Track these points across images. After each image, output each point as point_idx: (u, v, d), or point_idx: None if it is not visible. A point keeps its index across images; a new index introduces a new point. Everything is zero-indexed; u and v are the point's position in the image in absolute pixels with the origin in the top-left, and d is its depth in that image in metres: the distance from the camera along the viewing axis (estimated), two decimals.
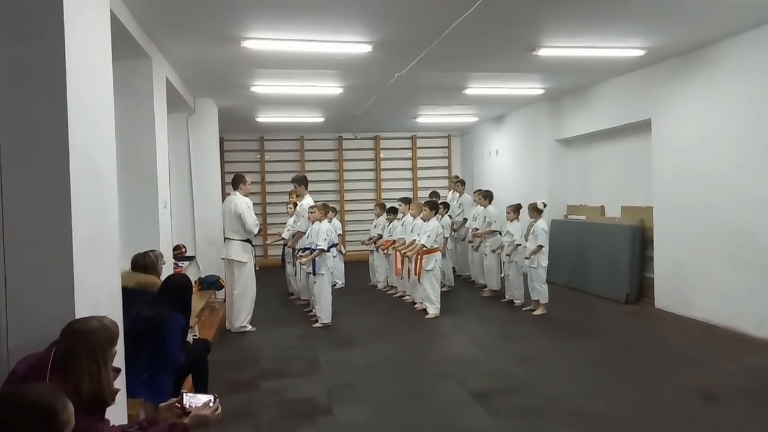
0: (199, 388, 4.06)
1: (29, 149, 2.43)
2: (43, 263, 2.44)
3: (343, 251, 9.48)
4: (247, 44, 5.53)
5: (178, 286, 3.92)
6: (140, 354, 3.66)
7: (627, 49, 6.39)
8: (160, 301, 3.82)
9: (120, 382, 3.20)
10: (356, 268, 10.22)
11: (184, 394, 2.44)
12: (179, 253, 7.87)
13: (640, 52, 6.48)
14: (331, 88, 7.97)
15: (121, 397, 3.24)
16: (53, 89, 2.44)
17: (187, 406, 2.41)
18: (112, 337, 2.22)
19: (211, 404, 2.41)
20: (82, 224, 2.59)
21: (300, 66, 6.65)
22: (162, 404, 2.46)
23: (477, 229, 8.54)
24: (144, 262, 4.23)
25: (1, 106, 2.39)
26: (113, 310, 2.99)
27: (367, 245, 9.72)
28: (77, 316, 2.44)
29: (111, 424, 2.36)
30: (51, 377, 2.04)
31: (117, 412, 3.09)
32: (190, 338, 4.11)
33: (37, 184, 2.43)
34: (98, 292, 2.77)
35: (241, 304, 6.66)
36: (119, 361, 3.13)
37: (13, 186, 2.41)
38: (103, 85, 3.04)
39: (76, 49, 2.59)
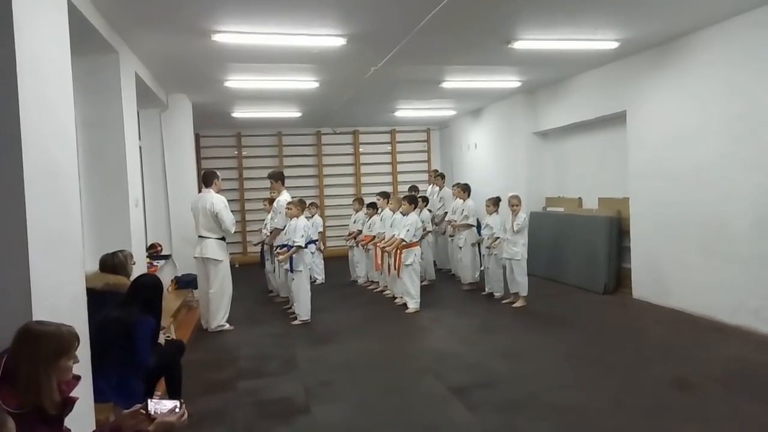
0: (172, 390, 3.97)
1: None
2: None
3: (322, 248, 9.37)
4: (218, 38, 5.41)
5: (148, 286, 3.81)
6: (109, 357, 3.55)
7: (601, 41, 6.40)
8: (129, 302, 3.71)
9: (86, 387, 3.13)
10: (336, 263, 10.15)
11: (149, 401, 2.35)
12: (155, 251, 7.72)
13: (614, 44, 6.50)
14: (306, 82, 7.86)
15: (89, 402, 3.15)
16: (3, 85, 2.33)
17: (152, 413, 2.32)
18: (63, 346, 2.10)
19: (176, 410, 2.32)
20: (39, 223, 2.48)
21: (273, 60, 6.53)
22: (126, 411, 2.37)
23: (455, 221, 8.52)
24: (113, 263, 4.11)
25: None
26: (75, 314, 2.89)
27: (347, 241, 9.64)
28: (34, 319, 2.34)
29: None
30: (2, 387, 1.94)
31: (84, 418, 3.00)
32: (162, 340, 4.00)
33: None
34: (58, 295, 2.67)
35: (218, 303, 6.53)
36: (84, 363, 3.04)
37: None
38: (61, 80, 2.93)
39: (29, 44, 2.48)
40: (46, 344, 2.07)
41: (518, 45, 6.22)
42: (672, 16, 5.65)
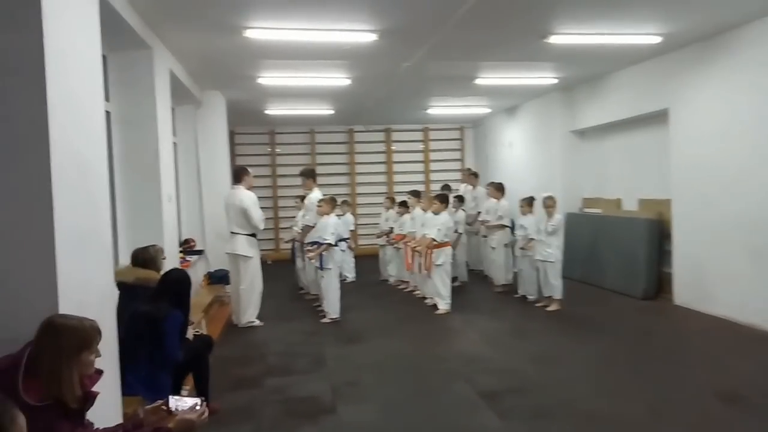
0: (199, 386, 3.98)
1: (8, 142, 2.32)
2: (25, 260, 2.35)
3: (353, 246, 9.32)
4: (250, 33, 5.41)
5: (176, 281, 3.82)
6: (138, 351, 3.58)
7: (643, 35, 6.14)
8: (158, 297, 3.73)
9: (114, 380, 3.15)
10: (368, 262, 10.10)
11: (170, 397, 2.34)
12: (189, 247, 7.82)
13: (656, 39, 6.23)
14: (338, 79, 7.83)
15: (116, 396, 3.16)
16: (32, 80, 2.33)
17: (173, 409, 2.30)
18: (85, 340, 2.10)
19: (197, 408, 2.30)
20: (67, 219, 2.48)
21: (305, 56, 6.51)
22: (147, 407, 2.36)
23: (488, 221, 8.36)
24: (143, 257, 4.14)
25: None
26: (103, 309, 2.90)
27: (378, 239, 9.58)
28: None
29: (95, 427, 2.27)
30: (25, 379, 1.94)
31: (112, 411, 3.02)
32: (190, 335, 4.00)
33: (17, 178, 2.33)
34: (85, 291, 2.67)
35: (248, 299, 6.56)
36: (110, 358, 3.06)
37: None
38: (90, 75, 2.93)
39: (58, 39, 2.48)
40: (68, 338, 2.07)
41: (555, 40, 6.02)
42: (719, 8, 5.37)
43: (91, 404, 2.14)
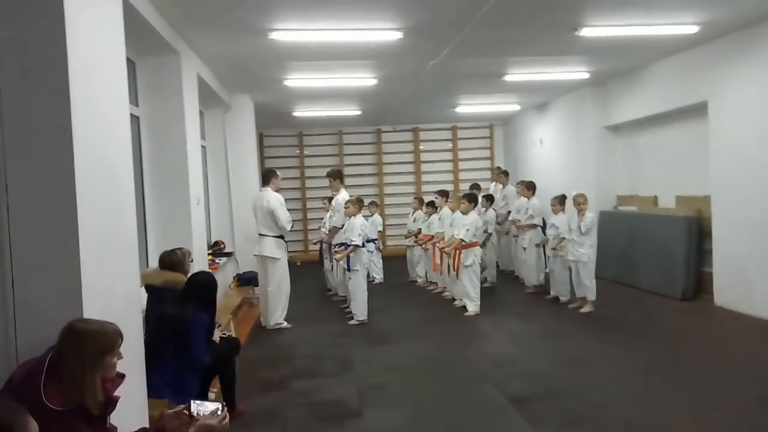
0: (226, 388, 3.99)
1: (33, 146, 2.35)
2: (50, 264, 2.37)
3: (381, 247, 9.27)
4: (275, 36, 5.42)
5: (203, 284, 3.84)
6: (165, 353, 3.61)
7: (679, 25, 5.91)
8: (184, 299, 3.75)
9: (140, 383, 3.17)
10: (396, 263, 10.04)
11: (192, 402, 2.33)
12: (218, 249, 7.91)
13: (694, 29, 5.98)
14: (365, 79, 7.79)
15: (142, 398, 3.19)
16: (56, 84, 2.36)
17: (195, 414, 2.29)
18: (107, 345, 2.10)
19: (218, 413, 2.28)
20: (91, 223, 2.50)
21: (331, 57, 6.49)
22: (169, 411, 2.35)
23: (519, 221, 8.21)
24: (171, 260, 4.17)
25: (5, 102, 2.32)
26: (129, 312, 2.92)
27: (407, 239, 9.52)
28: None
29: None
30: (46, 383, 1.95)
31: (137, 413, 3.04)
32: (216, 337, 4.02)
33: (41, 182, 2.36)
34: (111, 294, 2.69)
35: (276, 301, 6.58)
36: (137, 360, 3.08)
37: (18, 184, 2.34)
38: (115, 80, 2.96)
39: (81, 43, 2.50)
40: (90, 342, 2.07)
41: (586, 32, 5.84)
42: None
43: (113, 408, 2.14)
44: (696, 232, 7.18)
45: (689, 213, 7.31)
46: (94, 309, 2.44)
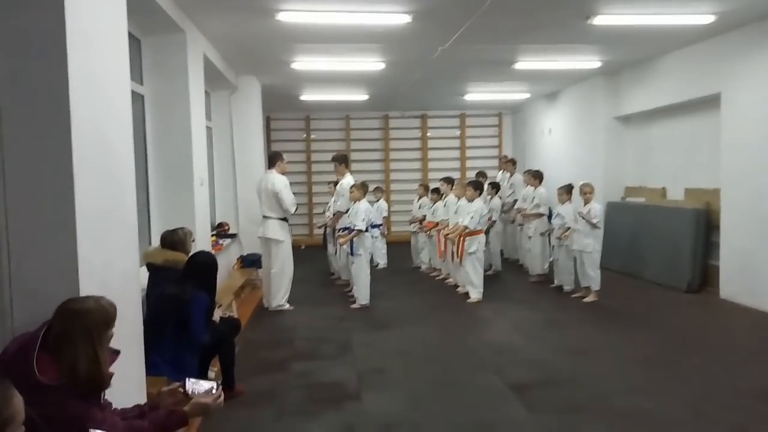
0: (225, 368, 4.00)
1: (30, 120, 2.32)
2: (46, 239, 2.35)
3: (386, 233, 9.24)
4: (282, 16, 5.36)
5: (203, 264, 3.83)
6: (164, 332, 3.62)
7: (694, 15, 5.79)
8: (184, 279, 3.75)
9: (139, 360, 3.18)
10: (400, 249, 10.03)
11: (187, 380, 2.33)
12: (222, 230, 7.92)
13: (709, 18, 5.86)
14: (373, 63, 7.71)
15: (140, 375, 3.19)
16: (53, 60, 2.31)
17: (190, 392, 2.30)
18: (107, 318, 2.11)
19: (213, 391, 2.29)
20: (89, 199, 2.48)
21: (338, 40, 6.42)
22: (164, 389, 2.36)
23: (524, 209, 8.16)
24: (172, 239, 4.16)
25: (2, 75, 2.29)
26: (126, 289, 2.91)
27: (411, 225, 9.49)
28: (82, 295, 2.36)
29: (113, 407, 2.28)
30: (39, 358, 1.95)
31: (135, 390, 3.05)
32: (216, 317, 4.02)
33: (38, 156, 2.33)
34: (107, 271, 2.68)
35: (279, 283, 6.59)
36: (135, 338, 3.09)
37: (14, 158, 2.31)
38: (116, 56, 2.92)
39: (81, 18, 2.46)
40: (93, 317, 2.08)
41: (599, 20, 5.74)
42: None
43: (108, 384, 2.14)
44: (704, 224, 7.10)
45: (698, 205, 7.23)
46: (90, 285, 2.43)
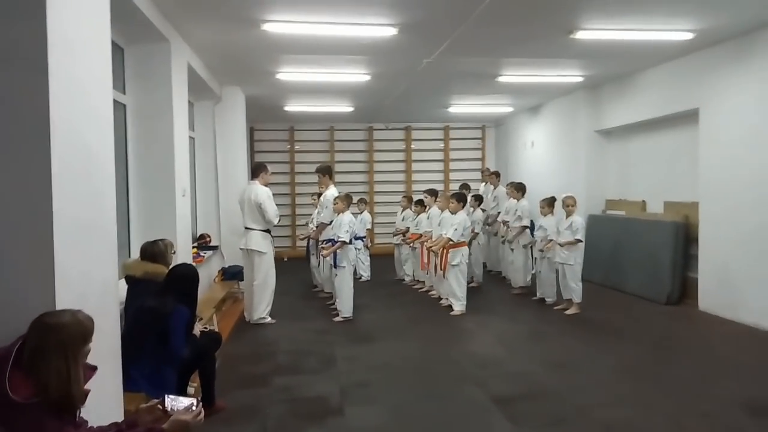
0: (205, 383, 3.93)
1: (9, 130, 2.27)
2: (21, 249, 2.28)
3: (369, 245, 9.20)
4: (268, 27, 5.35)
5: (184, 277, 3.76)
6: (143, 346, 3.54)
7: (675, 31, 5.91)
8: (164, 291, 3.67)
9: (116, 375, 3.10)
10: (384, 261, 10.00)
11: (167, 397, 2.27)
12: (204, 242, 7.82)
13: (688, 35, 5.99)
14: (358, 75, 7.73)
15: (118, 391, 3.11)
16: (34, 68, 2.27)
17: (169, 409, 2.23)
18: (84, 333, 2.05)
19: (193, 408, 2.23)
20: (68, 208, 2.42)
21: (324, 51, 6.43)
22: (143, 405, 2.29)
23: (507, 222, 8.20)
24: (152, 251, 4.08)
25: None
26: (105, 302, 2.84)
27: (395, 237, 9.47)
28: (59, 307, 2.29)
29: (88, 426, 2.20)
30: (12, 375, 1.88)
31: (112, 407, 2.97)
32: (197, 331, 3.95)
33: (16, 167, 2.27)
34: (86, 282, 2.61)
35: (261, 296, 6.51)
36: (113, 352, 3.01)
37: None
38: (98, 64, 2.88)
39: (63, 27, 2.42)
40: (69, 332, 2.02)
41: (581, 35, 5.83)
42: (755, 3, 5.12)
43: (82, 402, 2.07)
44: (683, 237, 7.21)
45: (677, 218, 7.34)
46: (67, 298, 2.37)
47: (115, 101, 3.69)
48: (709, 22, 5.60)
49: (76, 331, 2.03)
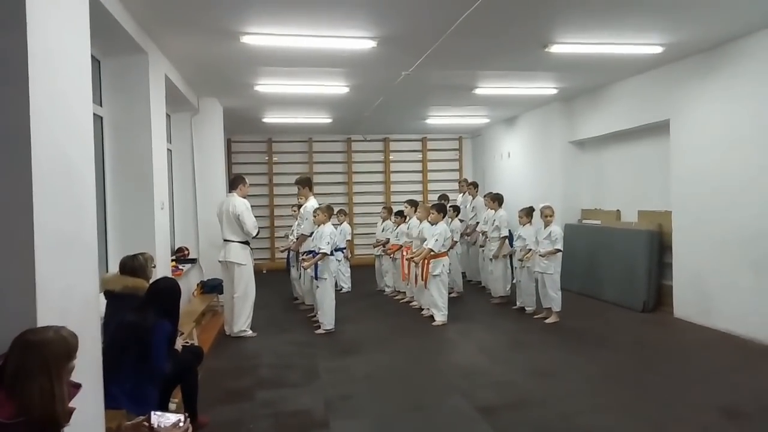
0: (188, 399, 3.86)
1: None
2: (1, 263, 2.23)
3: (349, 257, 9.19)
4: (247, 39, 5.34)
5: (165, 290, 3.70)
6: (123, 362, 3.45)
7: (645, 45, 6.09)
8: (145, 306, 3.60)
9: (97, 393, 3.02)
10: (364, 272, 9.98)
11: (152, 413, 2.23)
12: (182, 255, 7.71)
13: (658, 49, 6.18)
14: (337, 87, 7.76)
15: (99, 409, 3.04)
16: (13, 78, 2.24)
17: (155, 426, 2.19)
18: (69, 350, 2.00)
19: (180, 424, 2.20)
20: (49, 223, 2.38)
21: (303, 63, 6.44)
22: (127, 423, 2.25)
23: (485, 233, 8.29)
24: (132, 265, 4.02)
25: None
26: (86, 317, 2.79)
27: (375, 248, 9.47)
28: (40, 323, 2.24)
29: None
30: None
31: (94, 425, 2.90)
32: (178, 346, 3.88)
33: None
34: (67, 298, 2.56)
35: (241, 308, 6.44)
36: (94, 369, 2.94)
37: None
38: (78, 76, 2.85)
39: (44, 40, 2.40)
40: (53, 349, 1.97)
41: (555, 49, 5.97)
42: (721, 19, 5.32)
43: (67, 421, 2.02)
44: (657, 245, 7.37)
45: (651, 227, 7.51)
46: (49, 313, 2.32)
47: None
48: (677, 36, 5.79)
49: (59, 348, 1.99)
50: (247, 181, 6.67)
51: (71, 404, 2.05)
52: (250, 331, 6.48)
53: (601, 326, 6.78)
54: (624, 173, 8.49)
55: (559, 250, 6.81)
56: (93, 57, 4.78)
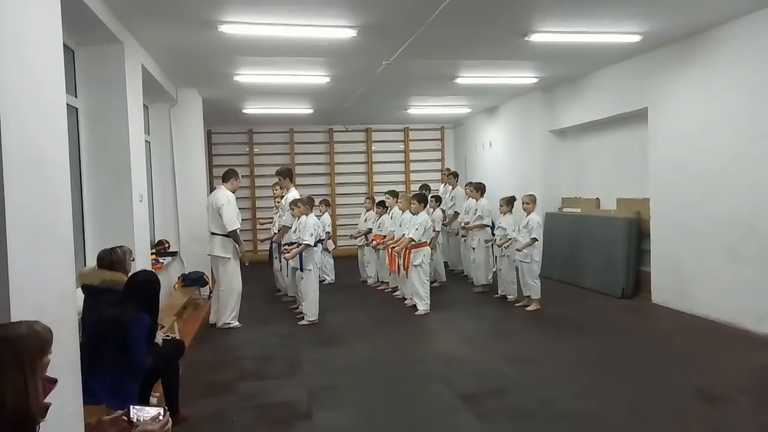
0: (169, 393, 3.83)
1: None
2: None
3: (329, 249, 9.17)
4: (225, 28, 5.26)
5: (144, 284, 3.66)
6: (102, 357, 3.43)
7: (623, 34, 6.14)
8: (124, 300, 3.57)
9: (76, 388, 2.99)
10: (347, 263, 9.98)
11: (131, 407, 2.20)
12: (162, 248, 7.62)
13: (636, 38, 6.24)
14: (317, 77, 7.70)
15: (78, 404, 3.00)
16: None
17: (135, 420, 2.17)
18: (42, 345, 1.96)
19: (160, 417, 2.17)
20: (22, 215, 2.33)
21: (283, 53, 6.38)
22: (106, 417, 2.22)
23: (468, 223, 8.32)
24: (110, 259, 3.96)
25: None
26: (63, 311, 2.74)
27: (356, 239, 9.46)
28: (13, 319, 2.20)
29: None
30: None
31: (73, 421, 2.86)
32: (159, 339, 3.85)
33: None
34: (43, 292, 2.51)
35: (227, 301, 6.42)
36: (72, 364, 2.90)
37: None
38: (51, 65, 2.77)
39: (13, 25, 2.33)
40: (26, 344, 1.92)
41: (535, 38, 5.98)
42: (698, 7, 5.38)
43: (42, 417, 1.99)
44: (635, 233, 7.48)
45: (629, 215, 7.61)
46: (23, 308, 2.28)
47: (67, 105, 3.56)
48: (655, 25, 5.84)
49: (33, 343, 1.95)
50: (239, 175, 6.63)
51: (47, 399, 2.01)
52: (236, 323, 6.46)
53: (581, 313, 6.88)
54: (603, 161, 8.59)
55: (535, 239, 6.86)
56: (67, 47, 4.69)
